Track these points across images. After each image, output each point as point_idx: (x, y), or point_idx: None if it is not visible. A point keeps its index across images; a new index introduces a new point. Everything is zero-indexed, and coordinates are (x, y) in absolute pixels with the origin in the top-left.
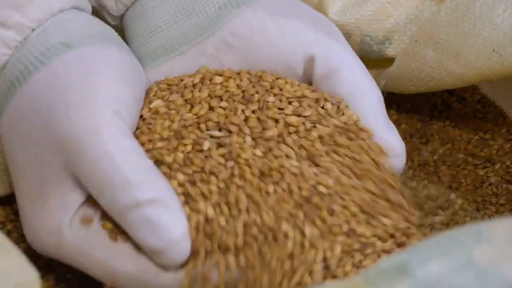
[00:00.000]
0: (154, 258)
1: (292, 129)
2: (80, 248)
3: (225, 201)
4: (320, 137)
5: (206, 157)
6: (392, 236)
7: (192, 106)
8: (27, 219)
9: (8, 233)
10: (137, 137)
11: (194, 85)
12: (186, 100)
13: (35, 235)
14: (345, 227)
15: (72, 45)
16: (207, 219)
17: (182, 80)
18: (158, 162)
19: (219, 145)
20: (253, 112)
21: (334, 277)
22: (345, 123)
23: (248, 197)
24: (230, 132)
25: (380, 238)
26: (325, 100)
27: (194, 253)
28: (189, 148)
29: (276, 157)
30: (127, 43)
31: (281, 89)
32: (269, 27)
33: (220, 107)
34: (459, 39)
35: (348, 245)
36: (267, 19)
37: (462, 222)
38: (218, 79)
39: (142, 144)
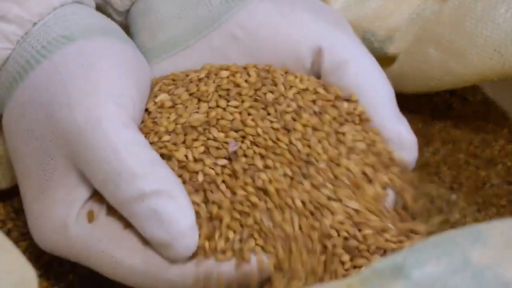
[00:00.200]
0: (161, 251)
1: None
2: (86, 243)
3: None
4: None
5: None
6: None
7: (199, 100)
8: (32, 216)
9: (9, 232)
10: (141, 130)
11: (199, 80)
12: (191, 94)
13: (40, 232)
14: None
15: (74, 38)
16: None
17: (187, 75)
18: (165, 157)
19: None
20: (270, 120)
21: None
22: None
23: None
24: (243, 138)
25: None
26: (337, 97)
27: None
28: (201, 149)
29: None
30: (132, 38)
31: (291, 86)
32: (276, 19)
33: (229, 105)
34: (461, 39)
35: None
36: (274, 11)
37: (462, 223)
38: (224, 74)
39: (147, 136)
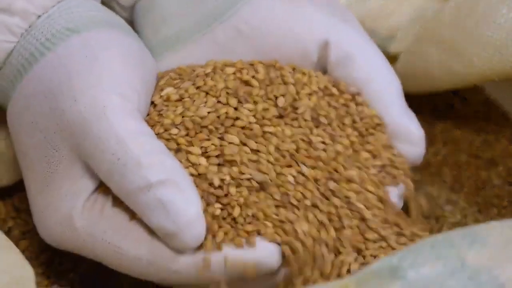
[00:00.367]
0: (168, 241)
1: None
2: (91, 235)
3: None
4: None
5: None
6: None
7: (206, 94)
8: (37, 209)
9: (9, 230)
10: (147, 122)
11: (206, 75)
12: (198, 88)
13: (46, 225)
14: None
15: (78, 30)
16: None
17: (194, 70)
18: (172, 150)
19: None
20: (284, 122)
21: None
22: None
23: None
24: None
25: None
26: (342, 93)
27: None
28: (214, 153)
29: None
30: (137, 34)
31: (304, 85)
32: (281, 13)
33: (243, 107)
34: (462, 39)
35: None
36: (278, 5)
37: (463, 224)
38: (230, 70)
39: (153, 128)
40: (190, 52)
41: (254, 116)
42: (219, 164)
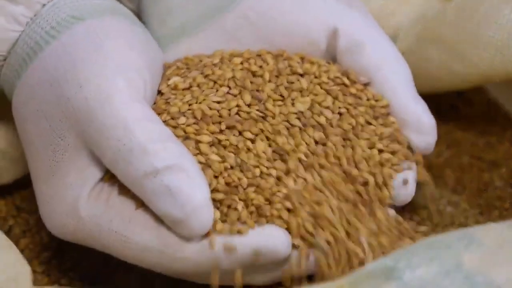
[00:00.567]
0: (175, 228)
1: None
2: (98, 224)
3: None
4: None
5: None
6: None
7: (215, 83)
8: (42, 199)
9: (10, 229)
10: (154, 110)
11: (214, 65)
12: (206, 76)
13: (51, 216)
14: None
15: (83, 17)
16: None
17: (201, 60)
18: (180, 137)
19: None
20: (298, 119)
21: None
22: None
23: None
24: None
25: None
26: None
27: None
28: (226, 143)
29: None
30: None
31: (316, 77)
32: (289, 1)
33: (253, 99)
34: (464, 39)
35: None
36: None
37: (464, 226)
38: (237, 60)
39: (160, 116)
40: (197, 42)
41: (272, 117)
42: (231, 152)
